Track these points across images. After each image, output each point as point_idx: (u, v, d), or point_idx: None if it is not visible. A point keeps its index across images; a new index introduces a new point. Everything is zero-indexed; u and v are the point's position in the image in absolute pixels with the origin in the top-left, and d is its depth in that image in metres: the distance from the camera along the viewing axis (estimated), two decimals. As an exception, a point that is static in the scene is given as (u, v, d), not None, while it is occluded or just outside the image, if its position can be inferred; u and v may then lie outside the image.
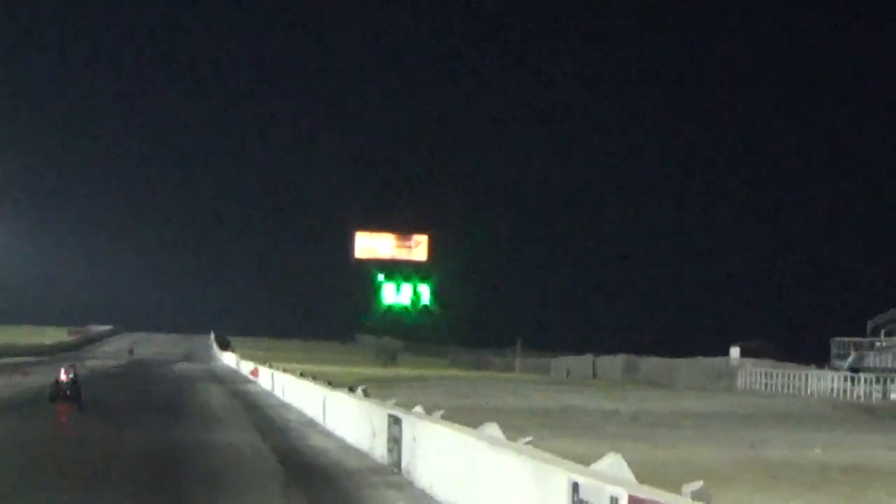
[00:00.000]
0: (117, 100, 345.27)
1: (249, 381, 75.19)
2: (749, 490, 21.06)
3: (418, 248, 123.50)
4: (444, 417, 22.55)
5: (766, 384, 69.30)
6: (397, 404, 27.63)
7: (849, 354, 70.90)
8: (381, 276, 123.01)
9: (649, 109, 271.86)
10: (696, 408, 50.09)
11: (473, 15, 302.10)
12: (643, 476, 12.97)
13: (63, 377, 44.41)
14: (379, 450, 26.22)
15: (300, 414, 43.17)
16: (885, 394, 60.92)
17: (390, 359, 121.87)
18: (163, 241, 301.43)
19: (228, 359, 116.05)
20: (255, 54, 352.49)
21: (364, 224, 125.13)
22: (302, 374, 53.51)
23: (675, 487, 11.69)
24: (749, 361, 76.13)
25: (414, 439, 22.47)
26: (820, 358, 76.93)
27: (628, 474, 12.56)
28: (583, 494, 12.27)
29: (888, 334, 72.12)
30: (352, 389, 37.35)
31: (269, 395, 58.70)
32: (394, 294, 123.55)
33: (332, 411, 36.09)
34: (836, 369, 68.35)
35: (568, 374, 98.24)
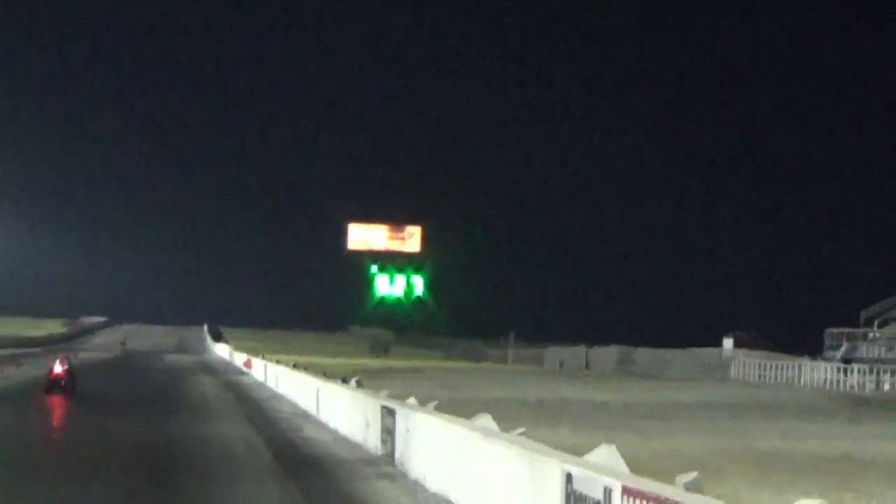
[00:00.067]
0: (117, 100, 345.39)
1: (242, 373, 75.17)
2: (741, 481, 21.11)
3: (411, 240, 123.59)
4: (437, 409, 22.58)
5: (759, 375, 69.40)
6: (391, 396, 27.65)
7: (842, 345, 71.04)
8: (374, 268, 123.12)
9: (649, 109, 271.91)
10: (689, 399, 50.17)
11: (473, 15, 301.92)
12: (636, 467, 13.01)
13: (58, 368, 44.47)
14: (372, 441, 26.25)
15: (293, 405, 43.17)
16: (877, 384, 61.03)
17: (383, 350, 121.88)
18: (157, 234, 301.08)
19: (221, 350, 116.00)
20: (255, 54, 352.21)
21: (357, 216, 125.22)
22: (295, 366, 53.54)
23: (667, 478, 11.73)
24: (742, 352, 76.23)
25: (407, 430, 22.50)
26: (813, 349, 77.09)
27: (622, 465, 12.59)
28: (576, 485, 12.29)
29: (881, 325, 72.28)
30: (345, 381, 37.38)
31: (263, 386, 58.68)
32: (387, 285, 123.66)
33: (326, 403, 36.11)
34: (829, 360, 68.48)
35: (561, 365, 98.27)
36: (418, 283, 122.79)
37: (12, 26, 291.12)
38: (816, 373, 65.16)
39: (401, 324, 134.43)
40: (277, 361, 62.09)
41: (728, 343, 79.63)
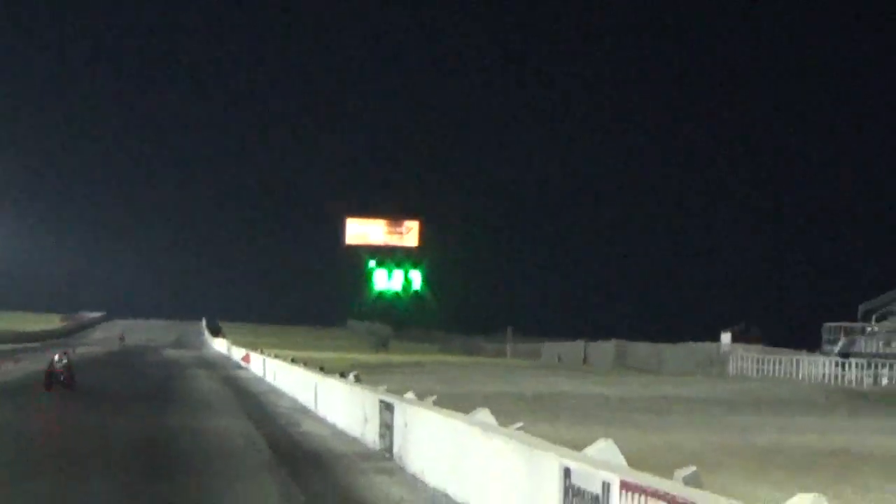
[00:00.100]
0: (117, 100, 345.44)
1: (241, 368, 75.21)
2: (739, 475, 21.14)
3: (409, 235, 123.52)
4: (435, 403, 22.61)
5: (757, 370, 69.43)
6: (389, 390, 27.68)
7: (839, 340, 71.02)
8: (372, 262, 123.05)
9: (649, 109, 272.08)
10: (687, 393, 50.18)
11: (473, 15, 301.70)
12: (634, 461, 13.03)
13: (57, 363, 44.52)
14: (370, 436, 26.28)
15: (292, 400, 43.21)
16: (875, 379, 61.02)
17: (381, 345, 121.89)
18: (156, 230, 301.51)
19: (220, 345, 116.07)
20: (255, 54, 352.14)
21: (355, 210, 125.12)
22: (293, 360, 53.57)
23: (665, 472, 11.75)
24: (740, 347, 76.20)
25: (405, 425, 22.52)
26: (811, 343, 77.06)
27: (620, 460, 12.62)
28: (575, 480, 12.31)
29: (879, 319, 72.24)
30: (343, 375, 37.40)
31: (261, 381, 58.72)
32: (385, 280, 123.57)
33: (324, 397, 36.13)
34: (827, 354, 68.46)
35: (559, 359, 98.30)
36: (416, 278, 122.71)
37: (12, 26, 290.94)
38: (814, 367, 65.16)
39: (399, 318, 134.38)
40: (276, 356, 62.16)
41: (726, 338, 79.60)
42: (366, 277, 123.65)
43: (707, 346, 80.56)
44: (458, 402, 27.14)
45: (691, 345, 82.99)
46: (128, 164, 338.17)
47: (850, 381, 61.23)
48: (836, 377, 62.45)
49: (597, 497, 11.57)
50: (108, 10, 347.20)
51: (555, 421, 31.95)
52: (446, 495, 18.18)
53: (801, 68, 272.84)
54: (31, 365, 60.69)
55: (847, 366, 63.14)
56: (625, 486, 10.94)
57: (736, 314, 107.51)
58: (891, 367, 61.21)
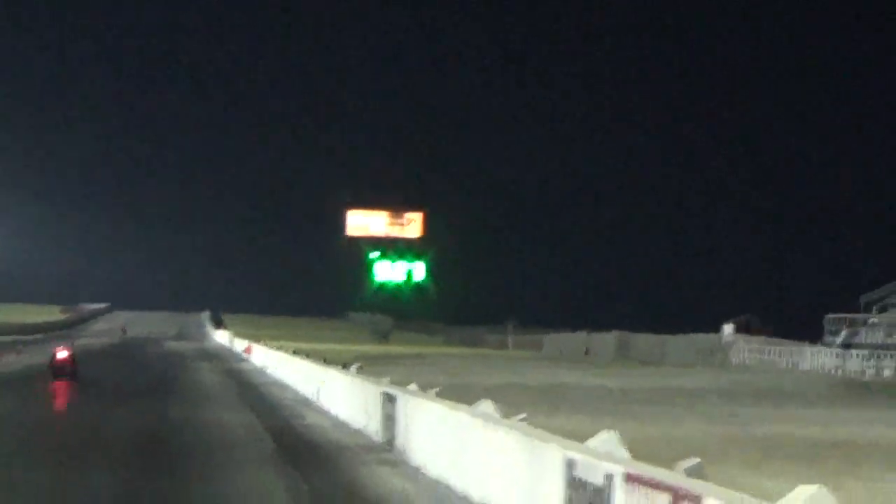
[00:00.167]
0: (117, 100, 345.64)
1: (243, 360, 75.24)
2: (741, 466, 21.15)
3: (412, 226, 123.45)
4: (437, 395, 22.60)
5: (759, 361, 69.48)
6: (391, 382, 27.67)
7: (842, 331, 71.06)
8: (373, 254, 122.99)
9: (649, 109, 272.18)
10: (689, 384, 50.22)
11: (473, 15, 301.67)
12: (637, 453, 13.02)
13: (61, 355, 44.62)
14: (373, 427, 26.26)
15: (294, 392, 43.21)
16: (877, 370, 61.08)
17: (383, 336, 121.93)
18: (157, 223, 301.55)
19: (221, 337, 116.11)
20: (255, 54, 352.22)
21: (357, 201, 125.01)
22: (295, 352, 53.57)
23: (668, 464, 11.74)
24: (742, 338, 76.30)
25: (408, 417, 22.52)
26: (813, 335, 77.10)
27: (623, 451, 12.61)
28: (577, 471, 12.30)
29: (881, 310, 72.30)
30: (346, 367, 37.41)
31: (263, 373, 58.72)
32: (387, 272, 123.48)
33: (326, 389, 36.13)
34: (829, 346, 68.52)
35: (561, 351, 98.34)
36: (418, 270, 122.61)
37: (12, 26, 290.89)
38: (816, 358, 65.22)
39: (401, 310, 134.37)
40: (278, 348, 62.16)
41: (728, 329, 79.72)
42: (367, 269, 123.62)
43: (709, 337, 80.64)
44: (460, 394, 27.14)
45: (693, 336, 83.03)
46: (130, 160, 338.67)
47: (852, 373, 61.27)
48: (838, 368, 62.50)
49: (600, 489, 11.56)
50: (108, 10, 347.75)
51: (557, 412, 31.96)
52: (448, 487, 18.17)
53: (801, 68, 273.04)
54: (34, 357, 60.72)
55: (849, 357, 63.19)
56: (627, 477, 10.94)
57: (738, 305, 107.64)
58: (892, 357, 61.24)
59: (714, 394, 44.79)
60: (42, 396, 38.23)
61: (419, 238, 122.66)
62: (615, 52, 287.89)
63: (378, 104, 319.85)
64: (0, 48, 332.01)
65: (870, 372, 61.00)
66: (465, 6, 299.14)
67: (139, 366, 62.17)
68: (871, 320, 71.18)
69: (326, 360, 45.62)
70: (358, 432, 27.74)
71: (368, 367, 44.00)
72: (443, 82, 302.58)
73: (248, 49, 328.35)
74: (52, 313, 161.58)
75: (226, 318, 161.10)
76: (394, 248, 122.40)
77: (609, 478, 11.33)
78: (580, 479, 12.17)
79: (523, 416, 17.05)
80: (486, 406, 18.18)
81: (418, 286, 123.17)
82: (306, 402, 38.21)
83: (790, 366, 65.84)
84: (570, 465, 12.56)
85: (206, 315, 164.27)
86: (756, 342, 73.71)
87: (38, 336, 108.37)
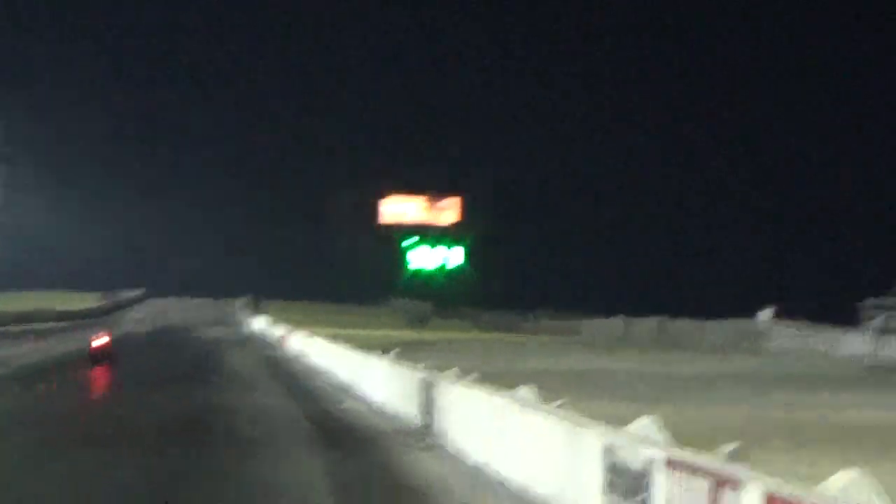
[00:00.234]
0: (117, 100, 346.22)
1: (281, 346, 75.49)
2: (781, 450, 21.14)
3: (448, 212, 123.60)
4: (476, 380, 22.68)
5: (795, 346, 69.25)
6: (430, 367, 27.78)
7: (878, 316, 70.72)
8: (410, 240, 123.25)
9: (649, 109, 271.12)
10: (727, 369, 50.11)
11: (473, 15, 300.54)
12: (676, 437, 13.06)
13: (99, 342, 45.03)
14: (412, 413, 26.38)
15: (333, 378, 43.38)
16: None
17: (420, 322, 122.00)
18: (194, 207, 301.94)
19: (260, 323, 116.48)
20: (255, 54, 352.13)
21: (393, 187, 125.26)
22: (334, 338, 53.74)
23: (708, 448, 11.79)
24: (780, 323, 76.04)
25: (447, 402, 22.62)
26: (849, 320, 76.74)
27: (662, 436, 12.65)
28: (617, 456, 12.37)
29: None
30: (384, 353, 37.54)
31: (302, 359, 58.92)
32: (423, 257, 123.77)
33: (365, 375, 36.28)
34: (866, 331, 68.21)
35: (599, 336, 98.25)
36: (455, 255, 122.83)
37: (12, 26, 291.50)
38: (852, 344, 64.95)
39: (437, 296, 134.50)
40: (316, 334, 62.33)
41: (766, 313, 79.41)
42: (402, 254, 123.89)
43: (747, 322, 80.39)
44: (497, 380, 27.20)
45: (731, 321, 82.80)
46: (167, 150, 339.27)
47: (888, 357, 61.01)
48: (875, 353, 62.23)
49: (639, 474, 11.62)
50: (108, 10, 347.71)
51: (596, 398, 31.97)
52: (487, 472, 18.26)
53: (801, 68, 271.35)
54: (71, 344, 61.13)
55: (885, 341, 62.90)
56: (668, 462, 11.00)
57: (776, 290, 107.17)
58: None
59: (752, 379, 44.70)
60: (84, 383, 38.54)
61: (456, 223, 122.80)
62: (615, 52, 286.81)
63: (378, 103, 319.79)
64: (0, 48, 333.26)
65: (907, 357, 60.68)
66: (465, 6, 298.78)
67: (178, 352, 62.51)
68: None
69: (365, 346, 45.76)
70: (396, 417, 27.87)
71: (406, 352, 44.15)
72: (443, 82, 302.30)
73: (247, 49, 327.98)
74: (90, 300, 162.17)
75: (264, 304, 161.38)
76: (430, 233, 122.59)
77: (649, 462, 11.39)
78: (620, 464, 12.24)
79: (562, 401, 17.11)
80: (526, 391, 18.24)
81: (455, 271, 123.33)
82: (344, 388, 38.37)
83: (826, 351, 65.58)
84: (609, 450, 12.62)
85: (244, 301, 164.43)
86: (792, 327, 73.43)
87: (80, 321, 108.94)
